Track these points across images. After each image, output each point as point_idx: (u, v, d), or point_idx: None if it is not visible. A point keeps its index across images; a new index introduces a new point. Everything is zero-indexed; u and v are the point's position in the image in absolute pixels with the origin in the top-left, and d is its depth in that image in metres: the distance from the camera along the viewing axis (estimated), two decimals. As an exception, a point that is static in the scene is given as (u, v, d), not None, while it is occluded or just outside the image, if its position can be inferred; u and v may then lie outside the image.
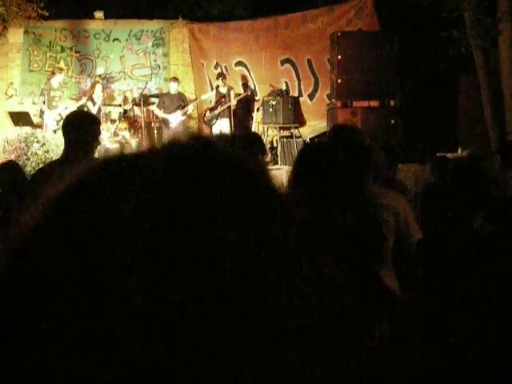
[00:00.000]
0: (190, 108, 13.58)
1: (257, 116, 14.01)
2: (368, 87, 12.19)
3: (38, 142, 10.88)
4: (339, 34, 12.24)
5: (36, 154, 10.71)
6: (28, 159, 10.67)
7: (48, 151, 10.84)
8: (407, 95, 12.63)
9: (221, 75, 13.67)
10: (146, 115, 14.17)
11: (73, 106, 12.73)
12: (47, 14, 13.62)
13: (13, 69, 14.54)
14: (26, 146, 10.71)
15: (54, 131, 12.41)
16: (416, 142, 12.57)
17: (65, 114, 12.84)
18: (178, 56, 15.32)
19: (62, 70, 13.77)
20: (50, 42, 14.90)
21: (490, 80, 11.78)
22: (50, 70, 14.83)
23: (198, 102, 13.74)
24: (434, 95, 13.71)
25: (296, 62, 13.73)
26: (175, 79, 13.76)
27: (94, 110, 13.22)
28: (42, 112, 13.00)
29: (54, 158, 10.78)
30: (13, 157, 10.41)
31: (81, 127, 4.21)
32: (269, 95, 13.70)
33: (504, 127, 11.50)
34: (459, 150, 11.50)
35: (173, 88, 13.56)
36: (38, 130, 11.59)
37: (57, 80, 13.37)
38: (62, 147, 10.97)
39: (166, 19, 15.39)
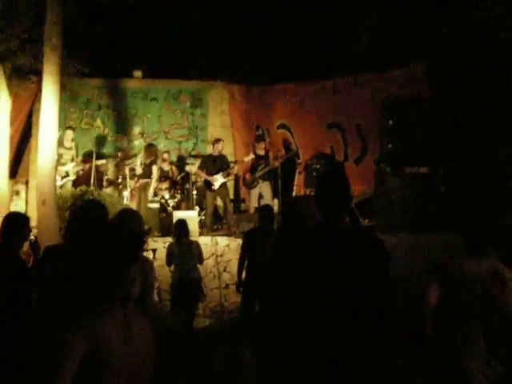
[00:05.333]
0: (235, 170, 13.25)
1: (298, 179, 13.78)
2: (418, 153, 12.08)
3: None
4: (391, 99, 12.19)
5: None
6: (85, 216, 10.27)
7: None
8: (456, 163, 12.46)
9: (259, 138, 13.44)
10: (185, 175, 13.89)
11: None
12: (87, 70, 13.39)
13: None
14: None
15: (60, 186, 12.16)
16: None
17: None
18: (217, 117, 15.15)
19: (73, 128, 13.40)
20: (87, 100, 14.70)
21: None
22: (87, 127, 14.62)
23: (239, 164, 13.43)
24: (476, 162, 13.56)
25: (344, 126, 13.53)
26: (218, 140, 13.36)
27: (138, 170, 13.05)
28: None
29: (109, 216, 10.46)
30: (67, 213, 10.09)
31: None
32: (312, 159, 13.52)
33: None
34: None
35: (216, 149, 13.19)
36: (93, 187, 11.24)
37: (68, 137, 13.02)
38: (117, 205, 10.79)
39: (203, 79, 15.26)
